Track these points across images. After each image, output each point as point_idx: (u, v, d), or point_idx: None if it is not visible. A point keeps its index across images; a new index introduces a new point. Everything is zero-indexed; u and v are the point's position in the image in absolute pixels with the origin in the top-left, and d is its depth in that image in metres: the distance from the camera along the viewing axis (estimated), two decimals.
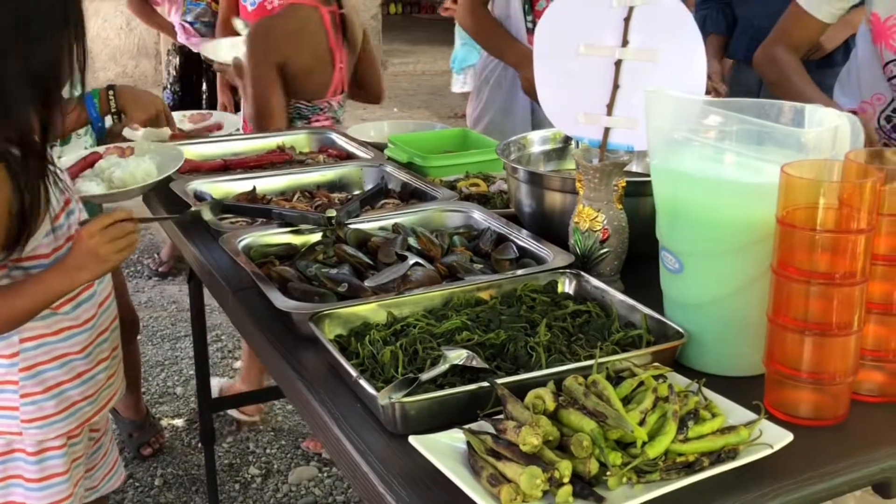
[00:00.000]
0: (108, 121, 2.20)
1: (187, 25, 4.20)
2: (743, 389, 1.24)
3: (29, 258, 1.57)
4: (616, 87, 1.51)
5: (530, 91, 2.70)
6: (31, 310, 1.56)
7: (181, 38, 4.24)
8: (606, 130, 1.55)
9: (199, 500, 2.87)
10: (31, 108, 1.46)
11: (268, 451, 3.12)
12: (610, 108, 1.53)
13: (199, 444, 3.04)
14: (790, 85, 2.20)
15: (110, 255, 1.56)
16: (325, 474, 2.98)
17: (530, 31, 2.82)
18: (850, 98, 2.28)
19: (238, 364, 3.73)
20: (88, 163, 2.08)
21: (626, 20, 1.49)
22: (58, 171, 1.59)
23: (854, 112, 2.19)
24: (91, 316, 1.71)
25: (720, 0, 3.11)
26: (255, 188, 2.08)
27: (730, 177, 1.28)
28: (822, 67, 2.76)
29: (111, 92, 2.15)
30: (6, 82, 1.41)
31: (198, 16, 4.19)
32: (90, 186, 1.98)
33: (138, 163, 2.02)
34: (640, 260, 1.59)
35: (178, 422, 3.29)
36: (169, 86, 4.42)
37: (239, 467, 3.03)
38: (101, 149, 2.15)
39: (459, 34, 8.28)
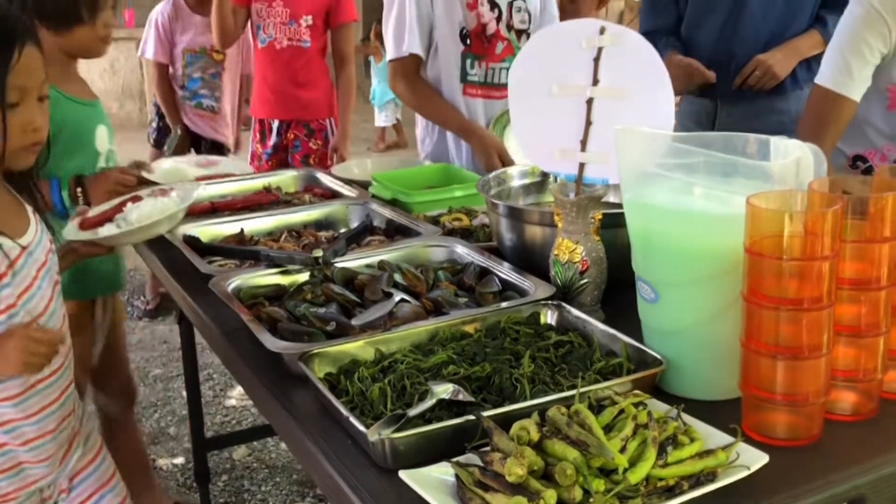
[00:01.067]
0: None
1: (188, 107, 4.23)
2: (721, 413, 1.28)
3: None
4: (589, 123, 1.57)
5: (481, 158, 2.65)
6: None
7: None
8: (581, 165, 1.60)
9: None
10: None
11: (263, 488, 3.13)
12: (584, 144, 1.59)
13: (195, 484, 3.06)
14: None
15: (20, 363, 1.54)
16: None
17: (469, 83, 2.79)
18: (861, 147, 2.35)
19: (230, 402, 3.75)
20: (116, 210, 2.02)
21: (596, 60, 1.55)
22: (4, 245, 1.56)
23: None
24: (38, 382, 1.64)
25: (666, 32, 2.95)
26: (242, 230, 2.13)
27: (699, 209, 1.33)
28: (773, 94, 2.82)
29: (79, 189, 2.13)
30: None
31: (202, 69, 4.21)
32: (109, 229, 1.94)
33: (155, 201, 2.01)
34: (619, 288, 1.64)
35: (173, 461, 3.30)
36: (155, 123, 4.45)
37: None
38: (143, 193, 2.10)
39: (375, 71, 8.41)
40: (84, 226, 1.96)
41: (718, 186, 1.30)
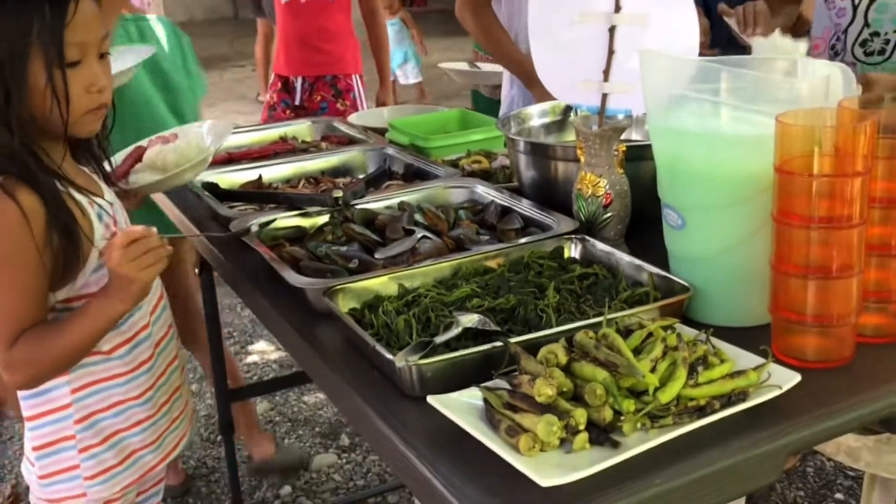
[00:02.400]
0: None
1: None
2: (750, 339, 1.26)
3: (78, 297, 1.46)
4: (611, 52, 1.55)
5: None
6: (76, 349, 1.44)
7: None
8: (604, 96, 1.58)
9: (220, 490, 2.91)
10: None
11: (286, 441, 3.16)
12: (606, 74, 1.56)
13: (218, 438, 3.08)
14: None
15: (134, 273, 1.42)
16: (345, 460, 3.02)
17: None
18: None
19: (251, 359, 3.77)
20: (135, 158, 1.95)
21: None
22: (102, 204, 1.49)
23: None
24: (147, 357, 1.59)
25: None
26: (260, 177, 2.11)
27: (727, 131, 1.30)
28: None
29: None
30: None
31: None
32: (144, 177, 1.87)
33: (188, 142, 1.92)
34: (643, 224, 1.62)
35: (197, 416, 3.33)
36: None
37: None
38: (143, 142, 2.02)
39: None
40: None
41: (746, 108, 1.28)
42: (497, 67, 3.02)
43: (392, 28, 7.64)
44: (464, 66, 3.17)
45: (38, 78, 1.36)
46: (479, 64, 3.17)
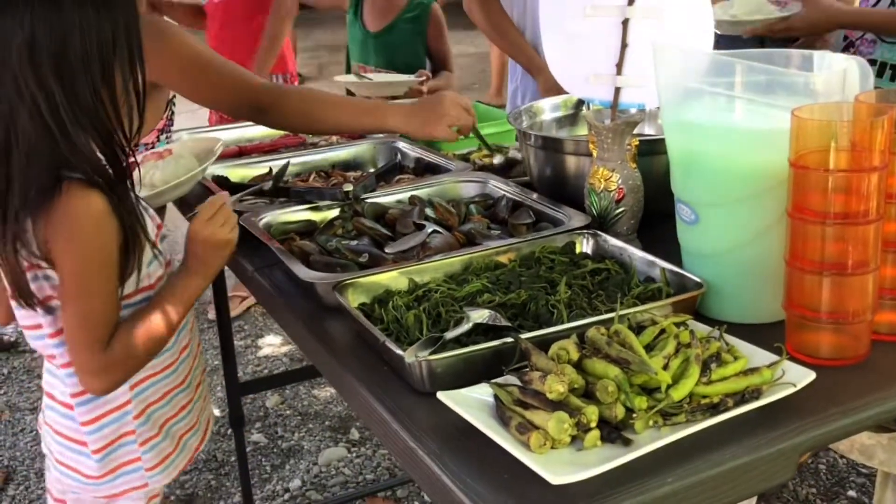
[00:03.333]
0: None
1: None
2: (763, 335, 1.25)
3: (137, 292, 1.49)
4: (624, 45, 1.53)
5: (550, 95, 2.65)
6: (167, 334, 1.48)
7: None
8: (617, 90, 1.56)
9: (230, 483, 2.91)
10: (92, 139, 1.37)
11: (296, 434, 3.16)
12: (619, 68, 1.54)
13: (229, 431, 3.09)
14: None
15: (228, 236, 1.52)
16: (354, 454, 3.02)
17: None
18: None
19: (262, 352, 3.77)
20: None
21: None
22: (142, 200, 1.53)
23: None
24: (188, 342, 1.64)
25: None
26: (270, 169, 2.11)
27: (742, 125, 1.29)
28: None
29: None
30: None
31: None
32: (143, 191, 1.86)
33: (177, 161, 1.95)
34: (655, 220, 1.60)
35: None
36: None
37: (268, 451, 3.07)
38: (138, 157, 2.01)
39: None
40: None
41: (761, 101, 1.26)
42: (392, 78, 3.08)
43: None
44: (352, 78, 3.12)
45: (119, 82, 1.38)
46: (369, 75, 3.12)
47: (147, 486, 1.60)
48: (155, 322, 1.46)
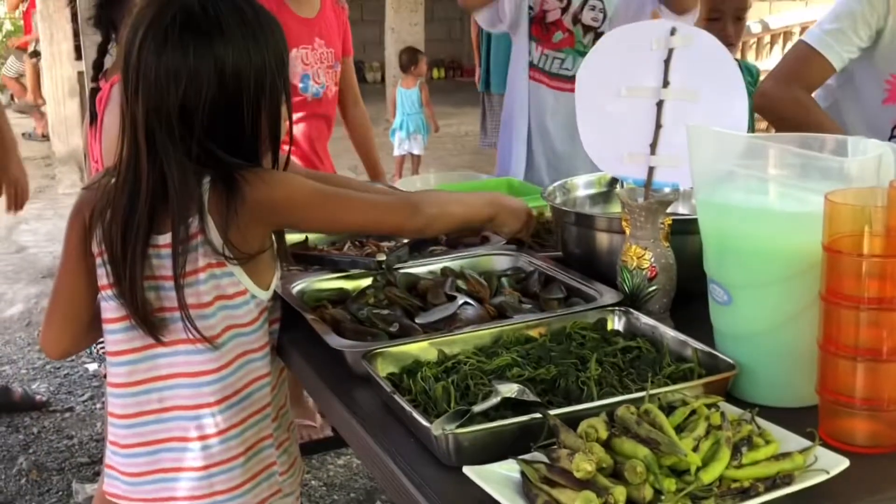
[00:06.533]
0: None
1: None
2: (796, 420, 1.23)
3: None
4: (659, 126, 1.55)
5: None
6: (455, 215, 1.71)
7: None
8: (651, 169, 1.57)
9: None
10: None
11: None
12: (654, 147, 1.56)
13: None
14: (810, 117, 2.21)
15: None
16: None
17: (533, 67, 2.88)
18: None
19: None
20: None
21: (667, 62, 1.53)
22: None
23: None
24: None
25: None
26: (307, 238, 2.14)
27: (775, 207, 1.29)
28: None
29: None
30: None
31: None
32: None
33: None
34: (688, 298, 1.60)
35: None
36: None
37: None
38: None
39: (402, 98, 7.97)
40: None
41: (795, 185, 1.27)
42: None
43: (413, 94, 7.68)
44: None
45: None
46: None
47: (280, 493, 1.64)
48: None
